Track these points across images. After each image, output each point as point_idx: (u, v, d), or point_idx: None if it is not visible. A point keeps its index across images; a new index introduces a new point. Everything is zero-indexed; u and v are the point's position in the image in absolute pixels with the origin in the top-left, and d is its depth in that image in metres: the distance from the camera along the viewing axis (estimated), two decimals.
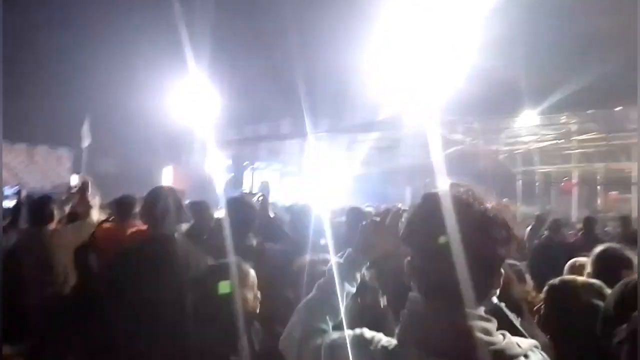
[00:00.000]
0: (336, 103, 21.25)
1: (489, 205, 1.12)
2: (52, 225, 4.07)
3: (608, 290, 1.90)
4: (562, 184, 20.76)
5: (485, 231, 1.07)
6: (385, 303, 1.97)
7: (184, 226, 2.85)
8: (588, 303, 1.85)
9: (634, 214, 20.21)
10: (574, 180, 20.12)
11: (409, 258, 1.18)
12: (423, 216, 1.13)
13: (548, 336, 1.87)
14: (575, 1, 13.37)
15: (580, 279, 2.03)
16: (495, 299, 1.21)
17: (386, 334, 1.21)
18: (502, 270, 1.12)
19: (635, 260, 2.66)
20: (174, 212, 2.72)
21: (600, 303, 1.83)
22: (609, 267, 2.12)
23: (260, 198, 3.95)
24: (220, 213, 4.45)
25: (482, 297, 1.11)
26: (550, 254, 3.50)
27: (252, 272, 2.11)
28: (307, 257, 2.06)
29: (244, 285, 2.06)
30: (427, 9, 11.00)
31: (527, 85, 13.62)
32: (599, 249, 2.75)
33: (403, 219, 1.40)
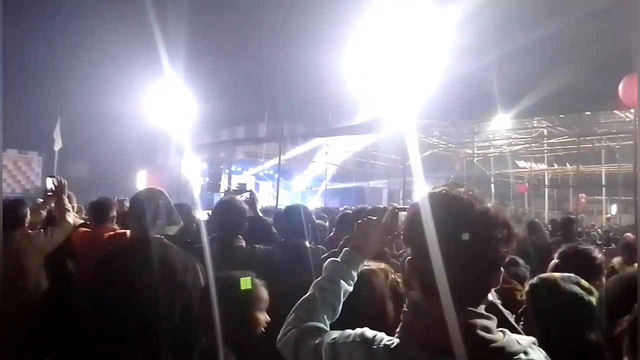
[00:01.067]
0: (313, 106, 21.32)
1: (489, 204, 1.12)
2: (24, 230, 3.94)
3: (585, 282, 1.95)
4: (518, 186, 21.42)
5: (486, 230, 1.08)
6: None
7: (173, 229, 2.78)
8: (571, 292, 1.89)
9: (605, 215, 20.84)
10: (527, 184, 20.80)
11: (409, 257, 1.18)
12: (424, 215, 1.13)
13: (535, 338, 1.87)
14: (545, 9, 13.73)
15: (557, 274, 2.05)
16: (491, 296, 1.22)
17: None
18: (502, 269, 1.13)
19: (602, 262, 2.74)
20: (166, 214, 2.67)
21: (581, 292, 1.88)
22: (574, 269, 2.17)
23: (248, 197, 3.91)
24: (200, 215, 4.40)
25: (482, 295, 1.12)
26: (531, 256, 3.55)
27: (265, 294, 2.06)
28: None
29: (257, 308, 2.01)
30: (403, 15, 11.11)
31: (500, 90, 13.91)
32: (560, 252, 2.80)
33: (400, 218, 1.40)
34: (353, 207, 20.01)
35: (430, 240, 1.08)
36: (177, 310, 2.46)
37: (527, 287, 2.04)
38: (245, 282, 2.91)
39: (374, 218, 1.48)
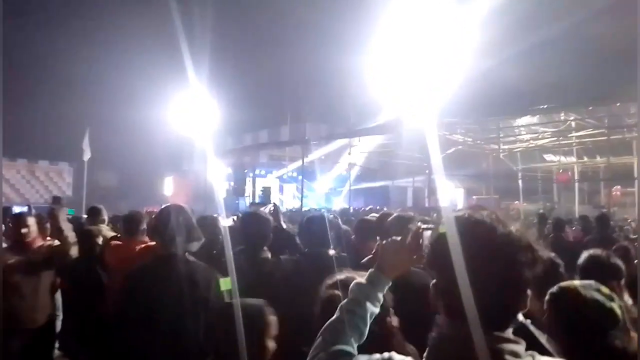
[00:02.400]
0: (335, 107, 21.31)
1: (512, 228, 1.12)
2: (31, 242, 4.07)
3: (605, 289, 1.93)
4: (558, 176, 20.78)
5: (510, 255, 1.07)
6: (397, 324, 1.95)
7: (195, 245, 2.83)
8: (593, 300, 1.87)
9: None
10: (569, 172, 20.13)
11: (434, 281, 1.18)
12: (447, 240, 1.12)
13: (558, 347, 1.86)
14: (571, 3, 13.44)
15: (577, 281, 2.04)
16: (521, 317, 1.21)
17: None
18: (529, 291, 1.12)
19: (623, 267, 2.73)
20: (185, 231, 2.72)
21: (603, 298, 1.87)
22: (594, 278, 2.14)
23: (272, 209, 3.94)
24: (225, 222, 4.46)
25: (509, 319, 1.11)
26: (560, 256, 3.44)
27: (274, 321, 2.06)
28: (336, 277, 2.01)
29: (267, 336, 2.00)
30: (424, 13, 11.02)
31: (525, 84, 13.67)
32: (583, 258, 2.77)
33: (423, 238, 1.39)
34: (378, 208, 19.92)
35: (455, 265, 1.07)
36: (201, 325, 2.50)
37: (547, 297, 2.01)
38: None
39: (398, 238, 1.47)
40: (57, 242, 3.96)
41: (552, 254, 3.01)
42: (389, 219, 3.08)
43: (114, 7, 24.67)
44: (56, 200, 3.96)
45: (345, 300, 1.43)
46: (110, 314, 3.52)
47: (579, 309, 1.87)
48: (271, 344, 2.01)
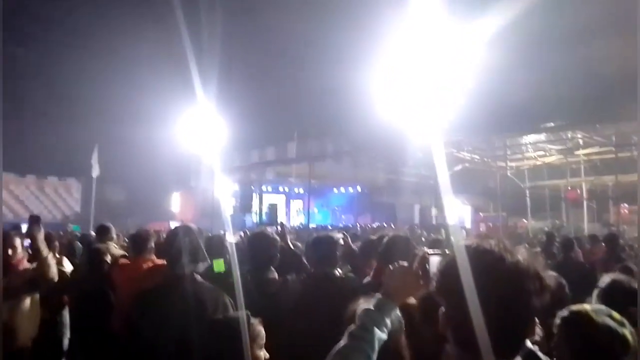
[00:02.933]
0: (342, 124, 21.38)
1: (520, 257, 1.13)
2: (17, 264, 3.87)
3: (617, 314, 1.90)
4: (568, 195, 20.59)
5: (518, 284, 1.09)
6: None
7: (202, 265, 2.84)
8: (605, 326, 1.84)
9: None
10: (578, 190, 19.98)
11: (443, 309, 1.19)
12: (456, 270, 1.14)
13: None
14: (578, 26, 13.52)
15: (588, 306, 2.00)
16: (528, 343, 1.21)
17: None
18: (536, 319, 1.14)
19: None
20: (192, 252, 2.74)
21: (615, 324, 1.84)
22: (616, 303, 2.10)
23: (279, 229, 3.96)
24: (230, 238, 4.47)
25: (516, 347, 1.12)
26: (569, 276, 3.40)
27: (262, 331, 2.06)
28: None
29: (256, 346, 2.00)
30: (432, 31, 11.11)
31: (532, 102, 13.68)
32: (605, 281, 2.70)
33: (430, 264, 1.41)
34: (384, 224, 19.80)
35: (463, 294, 1.09)
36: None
37: (557, 320, 1.98)
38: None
39: (405, 264, 1.49)
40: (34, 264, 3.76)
41: (556, 275, 3.00)
42: (385, 239, 3.11)
43: (123, 26, 25.09)
44: (33, 220, 3.73)
45: (354, 326, 1.42)
46: (118, 332, 3.53)
47: (590, 334, 1.84)
48: (262, 354, 2.01)
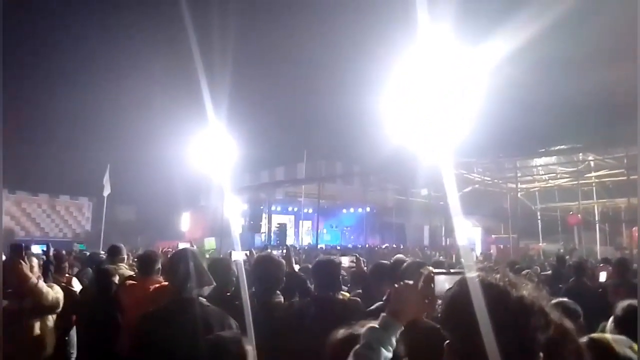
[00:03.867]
0: (351, 145, 21.48)
1: (525, 292, 1.14)
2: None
3: (636, 346, 1.86)
4: (568, 218, 20.35)
5: (523, 320, 1.09)
6: None
7: (207, 289, 2.86)
8: (625, 357, 1.79)
9: None
10: (579, 215, 19.74)
11: (448, 342, 1.19)
12: (461, 303, 1.15)
13: None
14: (587, 46, 13.59)
15: (609, 335, 1.97)
16: None
17: None
18: (541, 354, 1.13)
19: None
20: (197, 276, 2.75)
21: (635, 356, 1.80)
22: (633, 329, 2.05)
23: (284, 252, 3.97)
24: (238, 256, 4.47)
25: None
26: (580, 301, 3.36)
27: (251, 352, 2.05)
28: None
29: None
30: (441, 54, 11.20)
31: (543, 124, 13.68)
32: (620, 308, 2.65)
33: (435, 283, 1.43)
34: (394, 246, 19.64)
35: (469, 328, 1.10)
36: None
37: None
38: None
39: (410, 283, 1.50)
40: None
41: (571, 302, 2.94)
42: (404, 265, 3.08)
43: (135, 47, 25.64)
44: (14, 249, 3.66)
45: (359, 345, 1.43)
46: (124, 354, 3.52)
47: None
48: None
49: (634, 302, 2.71)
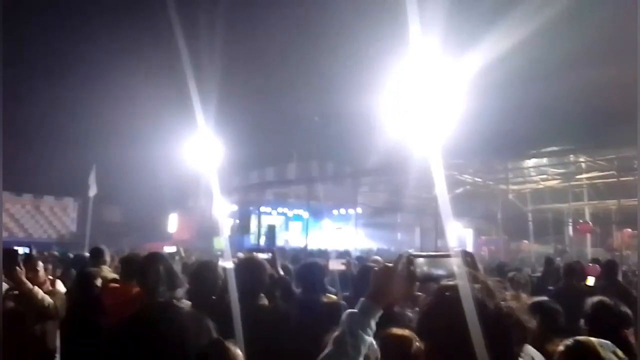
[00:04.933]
0: (342, 146, 21.39)
1: (502, 303, 1.16)
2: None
3: (620, 352, 1.88)
4: (579, 227, 20.33)
5: (499, 331, 1.12)
6: None
7: (180, 291, 2.74)
8: None
9: None
10: (590, 223, 19.81)
11: (425, 347, 1.23)
12: (439, 313, 1.18)
13: None
14: (578, 47, 13.64)
15: (595, 340, 1.96)
16: None
17: None
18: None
19: (630, 314, 2.70)
20: (167, 279, 2.63)
21: None
22: (606, 326, 2.05)
23: (270, 256, 3.93)
24: (225, 264, 4.36)
25: None
26: (568, 302, 3.37)
27: (240, 355, 1.96)
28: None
29: None
30: (433, 55, 11.14)
31: (534, 125, 13.70)
32: (590, 305, 2.73)
33: (414, 266, 1.44)
34: (385, 247, 19.55)
35: (445, 338, 1.14)
36: None
37: (561, 347, 1.95)
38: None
39: (390, 265, 1.49)
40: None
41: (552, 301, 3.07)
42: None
43: (122, 46, 25.30)
44: (8, 254, 3.61)
45: (337, 332, 1.42)
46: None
47: None
48: None
49: (603, 299, 2.79)
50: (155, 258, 2.81)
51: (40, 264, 3.98)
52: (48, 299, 3.72)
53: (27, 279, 3.71)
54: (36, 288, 3.68)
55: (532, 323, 1.18)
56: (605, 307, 2.70)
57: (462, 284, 1.18)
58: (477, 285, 1.17)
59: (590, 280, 6.83)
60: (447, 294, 1.17)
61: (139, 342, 2.45)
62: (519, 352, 1.17)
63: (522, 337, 1.16)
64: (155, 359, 2.39)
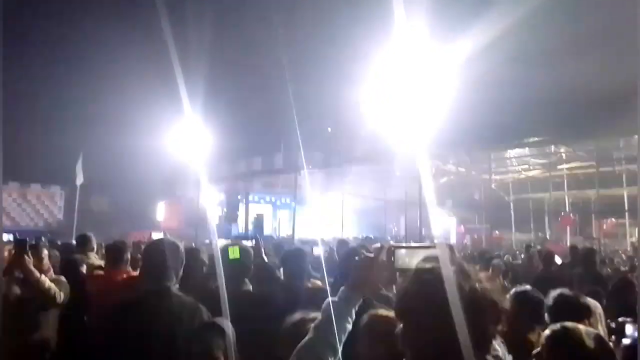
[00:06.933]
0: (329, 136, 21.47)
1: (477, 285, 1.16)
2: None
3: (606, 341, 1.90)
4: (561, 219, 20.71)
5: (475, 312, 1.11)
6: None
7: (178, 277, 2.85)
8: (593, 350, 1.82)
9: (631, 239, 20.35)
10: (572, 215, 20.17)
11: (401, 329, 1.22)
12: (415, 294, 1.17)
13: None
14: (559, 40, 13.80)
15: (582, 327, 1.98)
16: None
17: None
18: (493, 341, 1.18)
19: (592, 305, 2.74)
20: (171, 266, 2.73)
21: (602, 350, 1.83)
22: (567, 317, 2.09)
23: (254, 242, 4.04)
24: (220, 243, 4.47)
25: None
26: (547, 289, 3.45)
27: (231, 328, 2.11)
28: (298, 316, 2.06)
29: (215, 348, 2.06)
30: (417, 48, 11.26)
31: (516, 117, 13.89)
32: (551, 297, 2.73)
33: (395, 256, 1.44)
34: (372, 236, 19.78)
35: (422, 319, 1.14)
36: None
37: (547, 332, 1.96)
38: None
39: (371, 255, 1.50)
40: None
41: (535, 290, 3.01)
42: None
43: (110, 34, 25.03)
44: (18, 243, 3.70)
45: (318, 320, 1.45)
46: (91, 345, 3.47)
47: (580, 356, 1.84)
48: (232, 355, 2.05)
49: (564, 290, 2.79)
50: (161, 245, 2.85)
51: (46, 251, 4.01)
52: (54, 288, 3.75)
53: (33, 266, 3.74)
54: (43, 276, 3.71)
55: (506, 304, 1.22)
56: (565, 299, 2.70)
57: (438, 266, 1.18)
58: (452, 267, 1.17)
59: (558, 259, 7.12)
60: (424, 275, 1.18)
61: (137, 326, 2.59)
62: (495, 332, 1.16)
63: (497, 317, 1.16)
64: (151, 342, 2.55)
